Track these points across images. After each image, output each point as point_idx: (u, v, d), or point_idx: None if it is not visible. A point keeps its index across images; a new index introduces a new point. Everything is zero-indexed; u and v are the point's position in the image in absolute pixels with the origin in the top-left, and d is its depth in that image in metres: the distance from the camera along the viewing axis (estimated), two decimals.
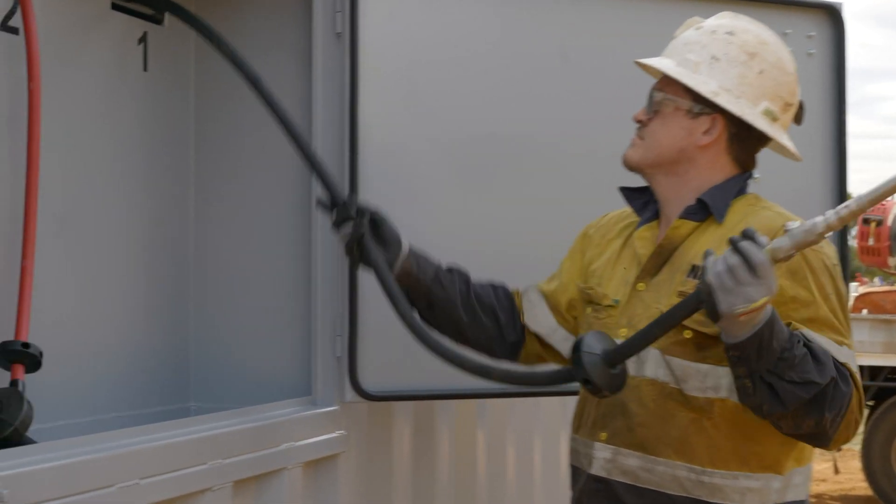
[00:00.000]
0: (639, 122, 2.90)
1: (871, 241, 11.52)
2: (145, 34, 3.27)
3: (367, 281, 3.10)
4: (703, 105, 2.81)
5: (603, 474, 2.81)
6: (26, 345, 2.67)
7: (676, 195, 2.85)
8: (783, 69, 2.85)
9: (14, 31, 2.80)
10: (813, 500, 12.40)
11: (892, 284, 12.64)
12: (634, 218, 2.96)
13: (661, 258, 2.82)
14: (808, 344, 2.58)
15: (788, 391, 2.54)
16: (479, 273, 3.12)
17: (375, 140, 3.29)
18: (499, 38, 3.50)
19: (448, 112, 3.44)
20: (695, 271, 2.72)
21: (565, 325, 3.07)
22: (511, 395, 3.73)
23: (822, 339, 2.63)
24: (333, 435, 3.28)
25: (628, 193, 2.96)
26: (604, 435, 2.82)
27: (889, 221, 11.34)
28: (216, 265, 3.50)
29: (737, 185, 2.85)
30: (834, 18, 3.81)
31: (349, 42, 3.25)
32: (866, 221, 11.49)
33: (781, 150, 2.91)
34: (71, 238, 3.03)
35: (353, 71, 3.25)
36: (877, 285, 13.58)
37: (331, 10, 3.28)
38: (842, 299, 2.73)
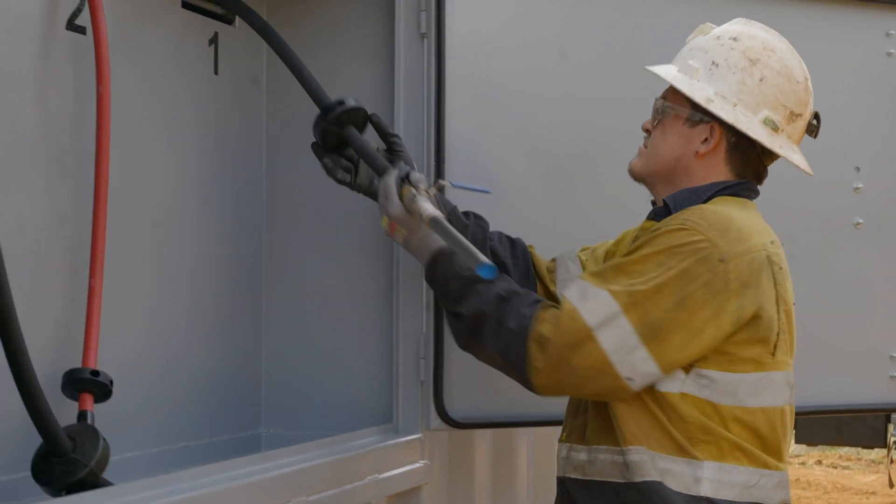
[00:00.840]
0: (646, 131, 2.90)
1: None
2: (216, 35, 3.05)
3: None
4: (703, 113, 2.79)
5: (560, 473, 2.85)
6: (95, 372, 2.44)
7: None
8: (790, 77, 2.80)
9: (81, 30, 2.58)
10: None
11: None
12: None
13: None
14: (469, 276, 2.66)
15: (450, 323, 2.76)
16: None
17: (461, 144, 3.15)
18: (588, 37, 3.39)
19: (536, 115, 3.32)
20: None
21: None
22: None
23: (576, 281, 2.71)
24: (417, 465, 3.08)
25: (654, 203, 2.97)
26: (564, 435, 2.87)
27: None
28: (288, 281, 3.27)
29: (711, 190, 2.79)
30: None
31: (434, 43, 3.09)
32: None
33: (793, 162, 2.87)
34: (135, 256, 2.81)
35: (439, 73, 3.08)
36: None
37: (414, 9, 3.11)
38: (646, 256, 2.64)
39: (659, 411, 2.65)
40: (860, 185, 3.69)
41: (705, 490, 2.63)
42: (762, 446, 2.69)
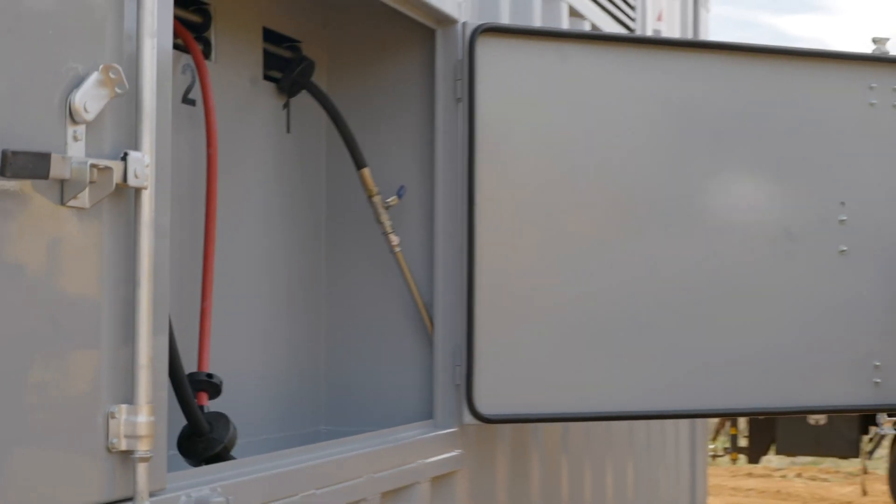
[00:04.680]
0: None
1: None
2: (288, 100, 3.71)
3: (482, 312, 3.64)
4: None
5: None
6: (210, 375, 3.09)
7: None
8: None
9: (192, 102, 3.24)
10: None
11: None
12: None
13: None
14: None
15: None
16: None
17: (491, 195, 3.70)
18: (611, 98, 3.92)
19: (561, 171, 3.86)
20: None
21: None
22: (606, 418, 4.18)
23: None
24: (453, 454, 3.70)
25: None
26: None
27: None
28: (346, 305, 3.92)
29: None
30: None
31: (468, 106, 3.66)
32: None
33: None
34: (230, 285, 3.47)
35: (471, 132, 3.66)
36: None
37: (451, 77, 3.70)
38: None
39: None
40: (845, 218, 4.24)
41: None
42: None
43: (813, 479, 15.45)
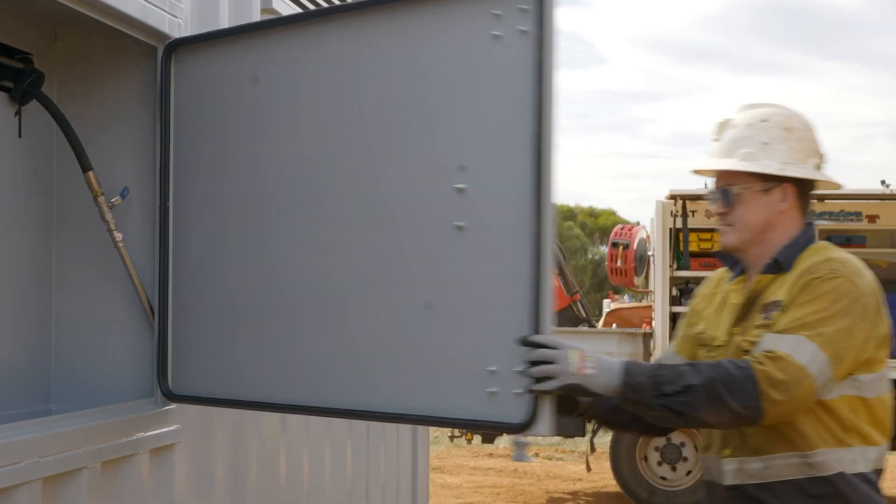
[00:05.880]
0: (719, 214, 3.54)
1: (619, 263, 12.59)
2: (20, 108, 4.07)
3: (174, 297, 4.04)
4: (771, 181, 3.47)
5: (734, 482, 3.45)
6: None
7: (761, 257, 3.52)
8: (810, 130, 3.55)
9: None
10: (568, 497, 13.48)
11: (640, 301, 13.78)
12: (725, 276, 3.68)
13: (748, 305, 3.50)
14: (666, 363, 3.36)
15: (672, 405, 3.21)
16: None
17: (184, 196, 4.06)
18: (289, 83, 3.82)
19: (244, 166, 3.97)
20: (765, 309, 3.42)
21: None
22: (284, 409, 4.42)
23: (768, 335, 3.32)
24: (171, 428, 4.12)
25: (722, 256, 3.66)
26: (727, 451, 3.47)
27: (634, 245, 12.48)
28: (75, 293, 4.31)
29: (803, 239, 3.49)
30: None
31: (160, 117, 4.07)
32: (615, 245, 12.59)
33: (826, 185, 3.60)
34: None
35: (165, 140, 4.07)
36: (626, 302, 14.75)
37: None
38: (816, 304, 3.32)
39: (826, 417, 3.32)
40: (464, 186, 3.36)
41: (861, 468, 3.36)
42: (881, 427, 3.41)
43: (549, 458, 16.35)
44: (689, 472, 11.81)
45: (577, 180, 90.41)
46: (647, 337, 11.97)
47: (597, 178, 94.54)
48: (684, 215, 11.75)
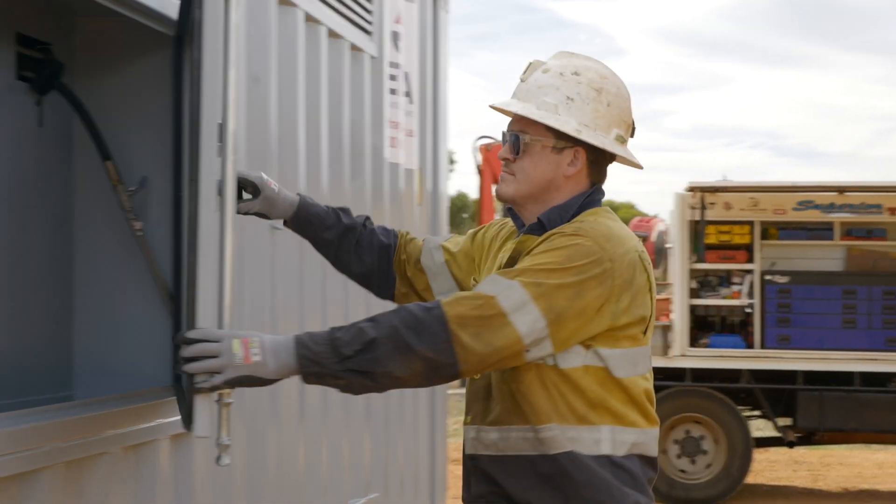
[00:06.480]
0: (504, 159, 3.24)
1: None
2: (40, 98, 4.11)
3: None
4: (566, 140, 3.19)
5: (471, 451, 3.23)
6: None
7: (535, 216, 3.26)
8: (622, 97, 3.25)
9: None
10: None
11: (658, 293, 13.79)
12: (514, 227, 3.41)
13: (511, 264, 3.20)
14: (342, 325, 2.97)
15: (365, 360, 2.87)
16: None
17: None
18: None
19: None
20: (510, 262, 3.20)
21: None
22: None
23: (484, 280, 3.10)
24: None
25: (510, 212, 3.38)
26: (469, 418, 3.25)
27: (653, 238, 12.52)
28: (96, 280, 4.34)
29: (578, 201, 3.23)
30: None
31: None
32: None
33: (626, 162, 3.31)
34: None
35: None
36: None
37: None
38: (549, 257, 3.05)
39: (565, 389, 3.05)
40: None
41: (605, 449, 3.07)
42: (642, 410, 3.13)
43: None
44: (708, 466, 11.88)
45: None
46: (666, 330, 12.01)
47: (615, 170, 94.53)
48: (703, 208, 11.77)
